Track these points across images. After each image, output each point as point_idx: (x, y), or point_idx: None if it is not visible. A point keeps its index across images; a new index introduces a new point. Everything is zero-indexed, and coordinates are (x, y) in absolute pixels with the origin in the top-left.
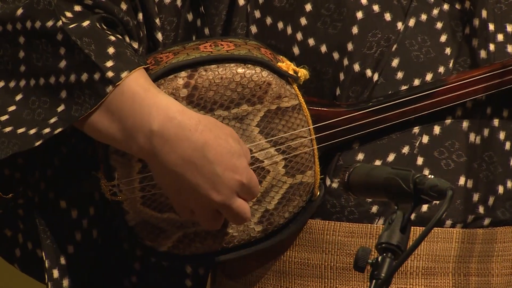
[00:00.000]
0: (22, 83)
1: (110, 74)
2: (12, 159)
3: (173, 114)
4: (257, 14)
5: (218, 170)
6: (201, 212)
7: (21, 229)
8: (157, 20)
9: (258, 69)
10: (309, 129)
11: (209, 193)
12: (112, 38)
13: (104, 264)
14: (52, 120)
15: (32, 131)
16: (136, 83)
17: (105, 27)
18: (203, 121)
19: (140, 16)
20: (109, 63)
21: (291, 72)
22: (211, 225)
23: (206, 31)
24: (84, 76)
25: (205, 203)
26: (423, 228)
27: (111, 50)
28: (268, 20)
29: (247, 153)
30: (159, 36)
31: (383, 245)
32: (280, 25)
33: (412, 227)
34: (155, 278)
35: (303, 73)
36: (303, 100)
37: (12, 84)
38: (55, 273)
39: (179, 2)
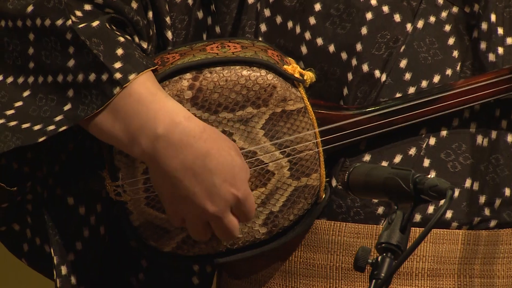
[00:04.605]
0: (31, 79)
1: (118, 75)
2: (21, 153)
3: (179, 119)
4: (267, 12)
5: (216, 181)
6: (192, 221)
7: (30, 224)
8: (167, 19)
9: (263, 71)
10: (314, 132)
11: (204, 202)
12: (121, 39)
13: (111, 261)
14: (58, 118)
15: (37, 127)
16: (144, 86)
17: (114, 28)
18: (208, 130)
19: (150, 14)
20: (117, 65)
21: (297, 75)
22: (199, 235)
23: (217, 29)
24: (92, 76)
25: (198, 213)
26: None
27: (119, 51)
28: (278, 19)
29: (247, 169)
30: (169, 34)
31: (383, 245)
32: (290, 24)
33: (417, 228)
34: (162, 275)
35: (309, 76)
36: (308, 103)
37: (20, 80)
38: (64, 270)
39: (190, 0)
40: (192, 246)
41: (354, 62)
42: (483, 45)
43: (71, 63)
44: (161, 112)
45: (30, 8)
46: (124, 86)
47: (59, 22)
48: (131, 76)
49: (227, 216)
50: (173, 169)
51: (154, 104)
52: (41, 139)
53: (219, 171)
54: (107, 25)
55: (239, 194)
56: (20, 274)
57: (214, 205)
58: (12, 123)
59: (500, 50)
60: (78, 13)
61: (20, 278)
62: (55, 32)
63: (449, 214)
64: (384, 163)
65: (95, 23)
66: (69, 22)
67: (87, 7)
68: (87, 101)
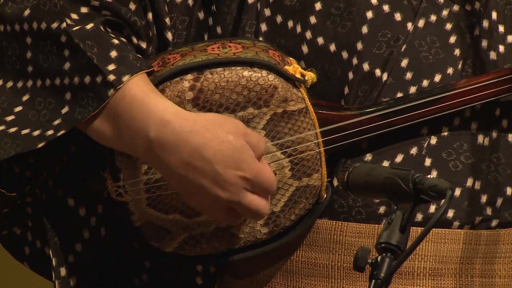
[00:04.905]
0: (29, 83)
1: (111, 77)
2: (22, 158)
3: (169, 117)
4: (267, 12)
5: (218, 168)
6: (213, 210)
7: (30, 227)
8: (167, 20)
9: (264, 72)
10: (315, 132)
11: (215, 191)
12: (115, 41)
13: (113, 262)
14: (56, 122)
15: (36, 133)
16: (137, 87)
17: (109, 30)
18: (200, 121)
19: (150, 15)
20: (111, 67)
21: (298, 75)
22: (229, 221)
23: (218, 30)
24: (87, 79)
25: (214, 202)
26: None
27: (113, 54)
28: (279, 19)
29: (257, 145)
30: (169, 35)
31: (383, 245)
32: (290, 23)
33: (419, 228)
34: (166, 276)
35: (310, 76)
36: (310, 103)
37: (20, 84)
38: (63, 271)
39: (190, 1)
40: (193, 246)
41: (355, 61)
42: (484, 43)
43: (67, 66)
44: (152, 113)
45: (27, 12)
46: (118, 87)
47: (54, 25)
48: (125, 78)
49: (244, 197)
50: (175, 167)
51: (145, 105)
52: (40, 145)
53: (218, 158)
54: (101, 28)
55: (247, 175)
56: (20, 274)
57: (225, 191)
58: (12, 130)
59: (501, 48)
60: (74, 16)
61: (20, 278)
62: (51, 35)
63: (450, 214)
64: (386, 163)
65: (89, 26)
66: (64, 25)
67: (84, 9)
68: (83, 104)
